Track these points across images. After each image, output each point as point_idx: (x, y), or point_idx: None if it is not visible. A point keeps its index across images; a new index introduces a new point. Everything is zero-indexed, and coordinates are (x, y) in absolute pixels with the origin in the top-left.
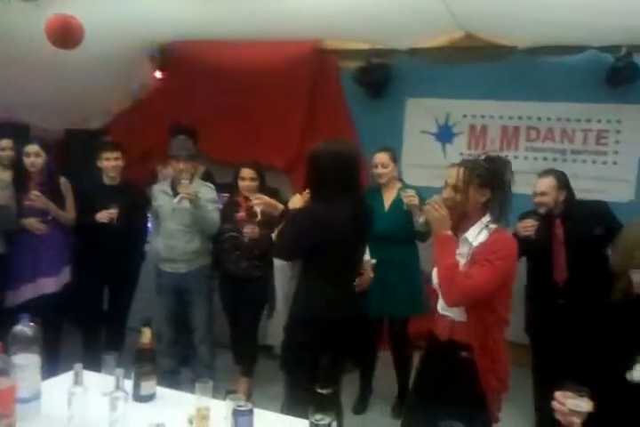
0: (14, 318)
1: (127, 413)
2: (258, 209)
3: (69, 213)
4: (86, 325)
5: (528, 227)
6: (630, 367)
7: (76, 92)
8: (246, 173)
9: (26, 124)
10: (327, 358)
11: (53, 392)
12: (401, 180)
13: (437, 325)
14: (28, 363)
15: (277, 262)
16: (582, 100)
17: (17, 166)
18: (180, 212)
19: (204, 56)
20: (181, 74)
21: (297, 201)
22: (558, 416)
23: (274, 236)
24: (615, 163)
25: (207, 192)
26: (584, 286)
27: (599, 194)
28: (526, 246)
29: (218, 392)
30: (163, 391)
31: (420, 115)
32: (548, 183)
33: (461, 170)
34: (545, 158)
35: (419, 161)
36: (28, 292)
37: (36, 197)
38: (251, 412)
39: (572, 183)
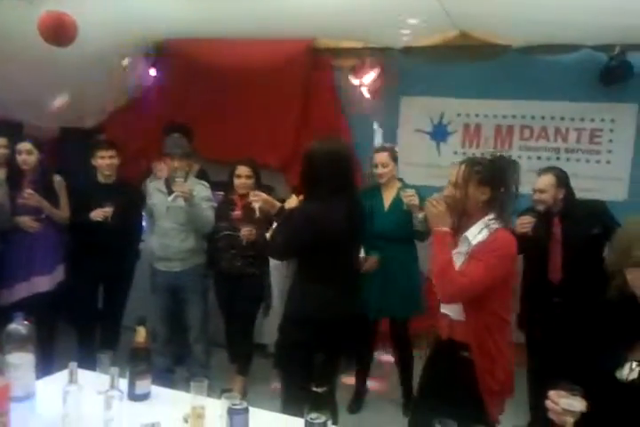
0: (8, 316)
1: (122, 412)
2: (256, 206)
3: (63, 212)
4: (81, 323)
5: (525, 224)
6: (621, 366)
7: (69, 89)
8: (242, 170)
9: (19, 122)
10: (321, 357)
11: (48, 391)
12: (401, 179)
13: (439, 323)
14: (22, 362)
15: (273, 261)
16: (576, 99)
17: (11, 164)
18: (174, 210)
19: (198, 54)
20: (176, 72)
21: (294, 202)
22: (552, 416)
23: (268, 235)
24: (609, 162)
25: (202, 190)
26: (579, 284)
27: (593, 193)
28: (523, 243)
29: (213, 391)
30: (158, 390)
31: (414, 113)
32: (547, 181)
33: (461, 167)
34: (539, 157)
35: (413, 160)
36: (21, 290)
37: (29, 195)
38: (246, 410)
39: None
